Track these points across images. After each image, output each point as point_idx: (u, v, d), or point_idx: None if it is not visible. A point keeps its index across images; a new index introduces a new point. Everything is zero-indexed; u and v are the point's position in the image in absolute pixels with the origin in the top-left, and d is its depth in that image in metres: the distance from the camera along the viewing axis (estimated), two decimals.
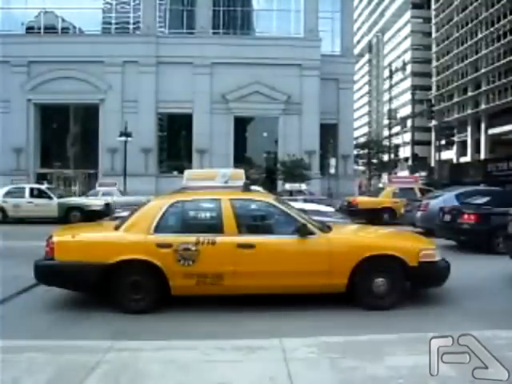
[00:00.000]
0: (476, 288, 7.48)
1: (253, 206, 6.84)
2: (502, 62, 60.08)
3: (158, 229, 6.18)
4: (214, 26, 40.12)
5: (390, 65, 61.48)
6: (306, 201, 17.92)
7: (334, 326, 5.42)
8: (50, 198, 19.54)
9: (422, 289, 6.91)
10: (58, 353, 4.33)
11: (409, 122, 58.84)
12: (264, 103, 38.37)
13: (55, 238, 6.24)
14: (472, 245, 11.53)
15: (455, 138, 66.95)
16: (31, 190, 20.48)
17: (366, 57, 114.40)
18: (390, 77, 52.59)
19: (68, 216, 18.97)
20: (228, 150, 38.84)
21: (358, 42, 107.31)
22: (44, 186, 22.47)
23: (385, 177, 52.77)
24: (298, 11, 40.08)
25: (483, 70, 64.71)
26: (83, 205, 19.84)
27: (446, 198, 14.45)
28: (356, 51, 77.05)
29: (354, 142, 55.10)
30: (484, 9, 64.37)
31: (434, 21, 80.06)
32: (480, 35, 65.16)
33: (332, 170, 40.36)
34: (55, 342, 4.72)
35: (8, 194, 20.10)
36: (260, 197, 7.14)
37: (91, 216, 18.69)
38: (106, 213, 19.38)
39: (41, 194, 20.05)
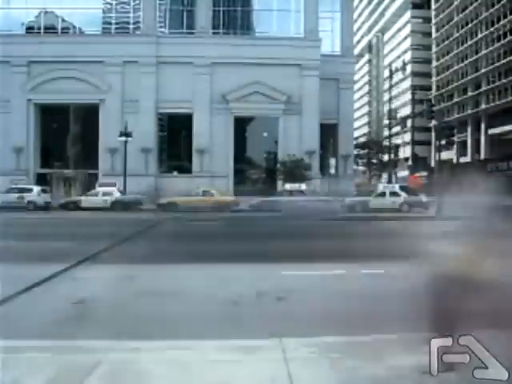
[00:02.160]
0: None
1: None
2: (502, 61, 60.00)
3: None
4: (214, 26, 40.13)
5: (390, 65, 61.46)
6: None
7: (334, 326, 5.41)
8: None
9: None
10: (58, 353, 4.33)
11: (409, 122, 58.82)
12: (264, 103, 38.36)
13: None
14: None
15: (455, 138, 66.85)
16: None
17: (366, 57, 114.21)
18: (390, 77, 52.50)
19: None
20: (228, 150, 38.80)
21: (358, 42, 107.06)
22: None
23: (384, 176, 52.76)
24: (298, 11, 40.08)
25: (483, 70, 64.63)
26: None
27: None
28: (356, 51, 76.92)
29: (354, 142, 55.08)
30: (484, 9, 64.29)
31: (433, 21, 79.94)
32: (480, 35, 65.08)
33: (332, 170, 40.38)
34: (55, 342, 4.70)
35: None
36: None
37: None
38: None
39: None
